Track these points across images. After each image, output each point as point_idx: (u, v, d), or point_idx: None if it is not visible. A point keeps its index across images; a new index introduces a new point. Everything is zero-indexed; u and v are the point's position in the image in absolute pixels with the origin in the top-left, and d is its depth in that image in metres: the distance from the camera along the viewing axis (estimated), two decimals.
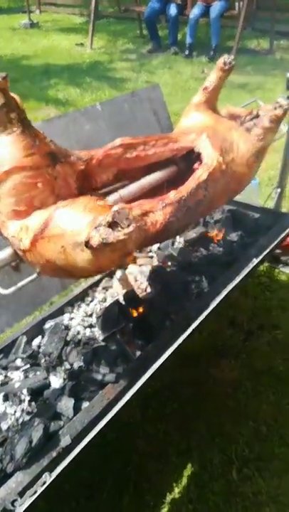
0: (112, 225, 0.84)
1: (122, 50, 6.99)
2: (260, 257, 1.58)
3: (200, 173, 1.20)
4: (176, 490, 1.55)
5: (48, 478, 1.07)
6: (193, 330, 1.39)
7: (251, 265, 1.57)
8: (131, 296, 1.63)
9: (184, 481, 1.57)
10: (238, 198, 2.19)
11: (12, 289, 0.98)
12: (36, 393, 1.34)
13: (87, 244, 0.86)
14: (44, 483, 1.07)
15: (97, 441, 1.61)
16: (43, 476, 1.08)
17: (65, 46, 7.17)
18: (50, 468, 1.10)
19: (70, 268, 0.94)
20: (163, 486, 1.56)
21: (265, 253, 1.63)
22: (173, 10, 6.23)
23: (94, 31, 6.90)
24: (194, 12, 6.09)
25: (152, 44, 6.83)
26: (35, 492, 1.06)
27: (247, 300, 2.25)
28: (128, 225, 0.84)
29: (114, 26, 8.36)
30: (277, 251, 2.34)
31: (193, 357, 1.96)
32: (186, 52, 6.38)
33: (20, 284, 0.99)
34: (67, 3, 9.62)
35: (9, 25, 8.56)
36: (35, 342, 1.52)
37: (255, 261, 1.55)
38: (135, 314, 1.56)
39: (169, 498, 1.53)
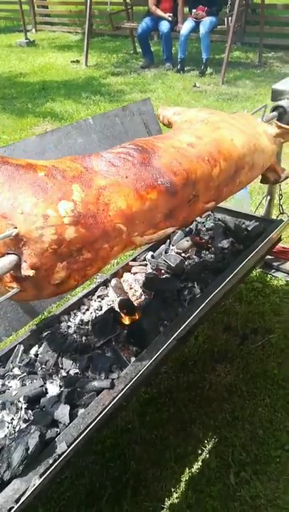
0: None
1: (116, 66, 7.15)
2: (248, 261, 1.61)
3: None
4: (175, 495, 1.56)
5: (37, 480, 1.09)
6: (186, 334, 1.42)
7: (241, 271, 1.60)
8: (126, 303, 1.66)
9: (182, 486, 1.58)
10: (229, 205, 2.25)
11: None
12: (33, 401, 1.35)
13: None
14: (33, 485, 1.09)
15: (96, 448, 1.64)
16: (33, 479, 1.10)
17: (61, 63, 7.34)
18: (44, 475, 1.12)
19: None
20: (161, 492, 1.57)
21: (250, 257, 1.66)
22: (165, 26, 6.40)
23: (88, 48, 7.08)
24: (185, 28, 6.26)
25: (145, 60, 7.00)
26: (24, 494, 1.08)
27: (241, 305, 2.29)
28: None
29: (108, 43, 8.57)
30: (269, 257, 2.39)
31: (189, 363, 1.98)
32: (178, 66, 6.54)
33: (3, 298, 1.01)
34: (62, 22, 9.87)
35: (6, 43, 8.78)
36: (33, 350, 1.55)
37: (242, 265, 1.58)
38: (130, 321, 1.59)
39: (167, 503, 1.54)
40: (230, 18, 5.88)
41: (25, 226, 0.98)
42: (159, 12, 6.40)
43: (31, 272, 0.99)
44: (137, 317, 1.61)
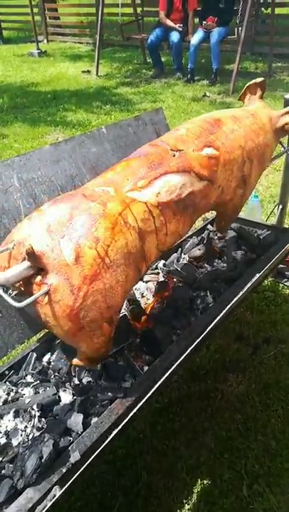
0: None
1: (126, 76, 7.23)
2: (262, 272, 1.61)
3: None
4: (187, 507, 1.54)
5: (58, 491, 1.09)
6: (199, 344, 1.41)
7: (254, 280, 1.60)
8: (138, 312, 1.66)
9: (194, 497, 1.56)
10: (241, 214, 2.24)
11: (25, 302, 1.02)
12: (46, 409, 1.36)
13: None
14: (54, 496, 1.09)
15: (107, 458, 1.63)
16: (53, 489, 1.09)
17: (72, 73, 7.44)
18: (59, 484, 1.12)
19: None
20: (173, 503, 1.55)
21: (267, 268, 1.67)
22: (175, 37, 6.45)
23: (99, 59, 7.16)
24: (195, 38, 6.31)
25: (155, 70, 7.06)
26: (45, 506, 1.08)
27: (253, 314, 2.27)
28: None
29: (119, 54, 8.68)
30: (281, 266, 2.38)
31: (201, 372, 1.97)
32: (188, 76, 6.59)
33: (32, 298, 1.03)
34: (73, 32, 10.04)
35: (18, 54, 8.95)
36: (45, 358, 1.56)
37: (258, 275, 1.58)
38: (142, 330, 1.59)
39: None
40: (240, 28, 5.92)
41: (18, 233, 1.12)
42: (169, 23, 6.47)
43: (29, 247, 1.02)
44: (150, 326, 1.61)
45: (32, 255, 1.02)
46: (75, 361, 1.23)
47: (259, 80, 1.71)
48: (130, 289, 1.21)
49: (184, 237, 1.43)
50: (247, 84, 1.72)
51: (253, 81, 1.71)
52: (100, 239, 1.07)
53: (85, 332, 1.09)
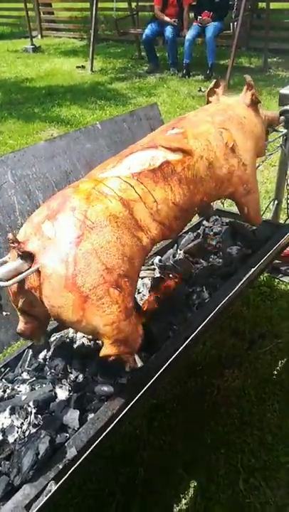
0: None
1: (121, 71, 7.19)
2: (257, 267, 1.61)
3: None
4: (183, 502, 1.55)
5: (53, 486, 1.09)
6: (196, 340, 1.41)
7: (250, 275, 1.60)
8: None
9: (191, 492, 1.57)
10: (236, 209, 2.24)
11: (11, 281, 1.03)
12: (42, 406, 1.36)
13: None
14: (50, 491, 1.09)
15: (105, 454, 1.63)
16: (48, 484, 1.09)
17: (67, 69, 7.39)
18: (56, 480, 1.12)
19: None
20: (170, 499, 1.56)
21: (262, 263, 1.66)
22: (170, 32, 6.42)
23: (94, 54, 7.12)
24: (190, 33, 6.28)
25: (150, 65, 7.03)
26: (41, 501, 1.08)
27: (248, 310, 2.28)
28: None
29: (114, 49, 8.63)
30: (277, 261, 2.38)
31: (197, 367, 1.97)
32: (184, 71, 6.56)
33: (22, 275, 1.04)
34: (68, 27, 9.96)
35: (12, 49, 8.87)
36: (41, 355, 1.55)
37: (252, 270, 1.58)
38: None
39: (176, 510, 1.53)
40: (235, 23, 5.90)
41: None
42: (165, 17, 6.43)
43: (9, 235, 1.06)
44: (145, 322, 1.60)
45: (15, 241, 1.04)
46: (104, 351, 1.13)
47: (212, 83, 1.76)
48: (135, 258, 1.13)
49: (186, 212, 1.35)
50: (206, 93, 1.78)
51: (209, 86, 1.76)
52: (75, 207, 1.09)
53: (92, 302, 1.02)
